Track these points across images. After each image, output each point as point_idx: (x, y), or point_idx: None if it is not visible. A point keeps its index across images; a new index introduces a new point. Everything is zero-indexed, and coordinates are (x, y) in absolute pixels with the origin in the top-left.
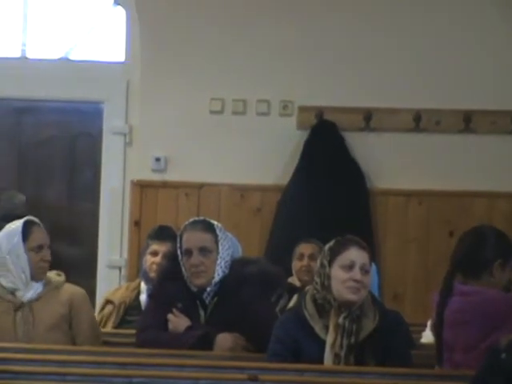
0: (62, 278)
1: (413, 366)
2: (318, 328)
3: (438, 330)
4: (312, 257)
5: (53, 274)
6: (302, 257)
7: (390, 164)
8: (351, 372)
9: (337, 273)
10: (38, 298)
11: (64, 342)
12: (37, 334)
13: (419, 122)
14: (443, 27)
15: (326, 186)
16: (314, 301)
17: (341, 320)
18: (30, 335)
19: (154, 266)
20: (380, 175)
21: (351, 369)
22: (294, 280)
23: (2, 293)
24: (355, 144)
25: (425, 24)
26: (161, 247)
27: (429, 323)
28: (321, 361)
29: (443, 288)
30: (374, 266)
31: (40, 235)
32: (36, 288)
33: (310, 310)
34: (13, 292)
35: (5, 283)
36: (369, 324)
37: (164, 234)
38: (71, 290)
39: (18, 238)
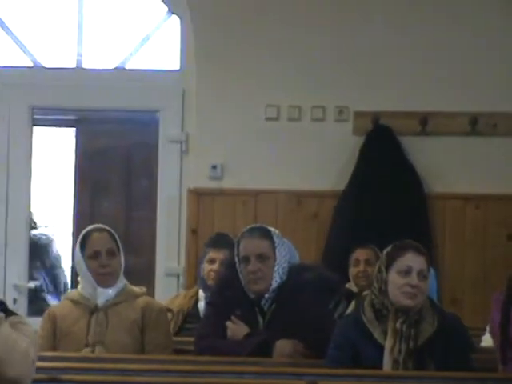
0: (143, 291)
1: (474, 370)
2: (376, 333)
3: (503, 328)
4: (368, 262)
5: (135, 288)
6: (357, 262)
7: (446, 168)
8: (410, 377)
9: (393, 278)
10: (114, 304)
11: (133, 348)
12: (108, 338)
13: (475, 125)
14: (496, 29)
15: (383, 191)
16: (373, 306)
17: (398, 325)
18: (101, 338)
19: (212, 274)
20: (437, 179)
21: (410, 374)
22: (351, 286)
23: (79, 297)
24: (411, 148)
25: (477, 26)
26: (218, 255)
27: (488, 327)
28: (380, 366)
29: (509, 285)
30: (432, 271)
31: (97, 242)
32: (107, 293)
33: (368, 316)
34: (89, 297)
35: (80, 289)
36: (428, 328)
37: (221, 241)
38: (148, 300)
39: (78, 246)
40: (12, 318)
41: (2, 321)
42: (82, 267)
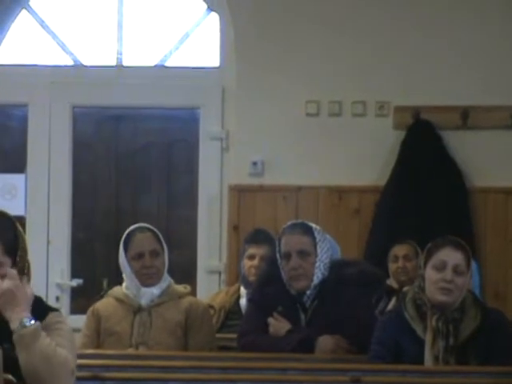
0: (187, 290)
1: None
2: (419, 329)
3: None
4: (406, 257)
5: (180, 286)
6: (396, 258)
7: (488, 162)
8: (452, 372)
9: (429, 273)
10: (158, 304)
11: (176, 348)
12: (151, 338)
13: None
14: None
15: (425, 185)
16: (414, 302)
17: (434, 322)
18: (145, 338)
19: (253, 270)
20: (478, 173)
21: (452, 369)
22: (391, 282)
23: (124, 297)
24: (452, 143)
25: None
26: (258, 250)
27: None
28: (422, 362)
29: None
30: (474, 265)
31: (140, 243)
32: (151, 293)
33: (410, 312)
34: (133, 297)
35: (125, 288)
36: (470, 324)
37: (260, 237)
38: (192, 300)
39: (121, 248)
40: (50, 317)
41: (38, 333)
42: (126, 267)
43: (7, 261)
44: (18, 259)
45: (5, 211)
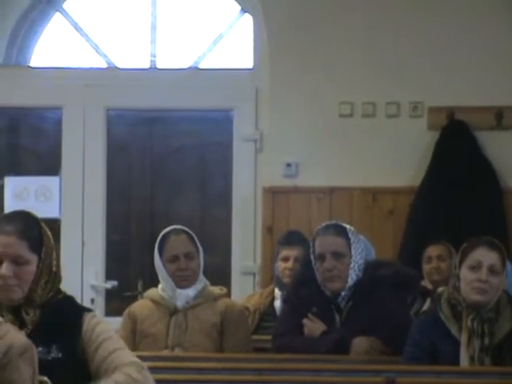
0: (223, 291)
1: None
2: (454, 330)
3: None
4: (440, 258)
5: (215, 288)
6: (430, 259)
7: None
8: (488, 372)
9: (464, 273)
10: (194, 306)
11: (212, 350)
12: (187, 340)
13: None
14: None
15: (459, 186)
16: (449, 303)
17: (469, 322)
18: (180, 340)
19: (287, 272)
20: None
21: (488, 369)
22: (426, 283)
23: (160, 299)
24: (487, 143)
25: None
26: (291, 252)
27: None
28: (458, 362)
29: None
30: (509, 266)
31: (174, 245)
32: (186, 295)
33: (445, 312)
34: (168, 298)
35: (160, 290)
36: (505, 324)
37: (293, 238)
38: (228, 302)
39: (156, 250)
40: (88, 321)
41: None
42: (161, 270)
43: (33, 258)
44: (43, 256)
45: (29, 211)
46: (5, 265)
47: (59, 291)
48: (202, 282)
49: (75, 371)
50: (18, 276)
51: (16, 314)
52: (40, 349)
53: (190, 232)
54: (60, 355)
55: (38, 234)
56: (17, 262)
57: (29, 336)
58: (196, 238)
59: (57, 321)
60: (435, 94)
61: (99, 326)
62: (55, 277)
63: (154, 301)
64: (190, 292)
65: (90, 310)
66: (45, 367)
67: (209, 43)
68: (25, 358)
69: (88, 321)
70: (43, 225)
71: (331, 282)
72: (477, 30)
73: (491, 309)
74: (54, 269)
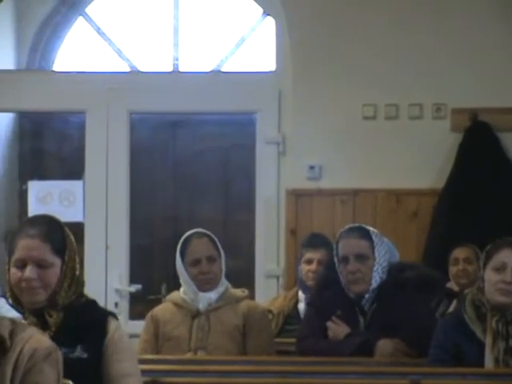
0: (245, 294)
1: None
2: (478, 332)
3: None
4: (467, 260)
5: (237, 290)
6: (456, 261)
7: None
8: None
9: (489, 275)
10: (216, 308)
11: (235, 352)
12: (210, 342)
13: None
14: None
15: (483, 188)
16: (474, 304)
17: (494, 324)
18: (203, 343)
19: (310, 274)
20: None
21: None
22: (452, 285)
23: (182, 302)
24: (510, 144)
25: None
26: (315, 254)
27: None
28: (483, 364)
29: None
30: None
31: (196, 249)
32: (208, 298)
33: (469, 314)
34: (190, 301)
35: (182, 293)
36: None
37: (316, 241)
38: (251, 304)
39: (178, 254)
40: (113, 330)
41: None
42: (183, 273)
43: (57, 261)
44: (66, 259)
45: (52, 216)
46: (29, 268)
47: (82, 294)
48: (223, 284)
49: (98, 372)
50: (41, 279)
51: (38, 317)
52: (64, 349)
53: (212, 235)
54: (85, 355)
55: (62, 237)
56: (40, 265)
57: (52, 338)
58: (218, 241)
59: (80, 323)
60: (458, 96)
61: (123, 342)
62: (78, 280)
63: (175, 304)
64: (212, 295)
65: (112, 314)
66: (68, 366)
67: (231, 46)
68: (49, 361)
69: (113, 329)
70: (66, 228)
71: (355, 284)
72: (500, 31)
73: None
74: (76, 272)
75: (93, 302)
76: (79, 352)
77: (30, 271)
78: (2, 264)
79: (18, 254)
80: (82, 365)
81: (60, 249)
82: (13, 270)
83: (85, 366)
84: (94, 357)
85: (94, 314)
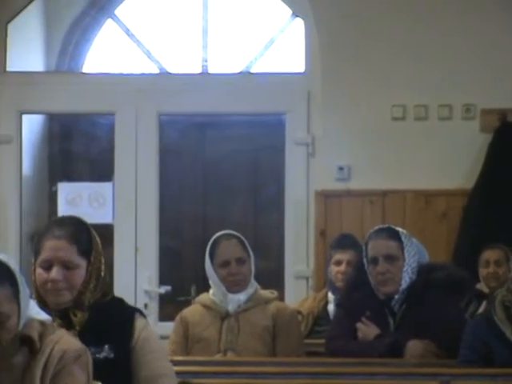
0: (274, 295)
1: None
2: (508, 332)
3: None
4: (498, 263)
5: (266, 292)
6: (487, 263)
7: None
8: None
9: None
10: (245, 310)
11: (264, 353)
12: (239, 344)
13: None
14: None
15: None
16: (503, 304)
17: None
18: (233, 344)
19: (340, 276)
20: None
21: None
22: (482, 287)
23: (211, 303)
24: None
25: None
26: (344, 255)
27: None
28: None
29: None
30: None
31: (225, 250)
32: (237, 299)
33: (499, 315)
34: (220, 303)
35: (211, 294)
36: None
37: (346, 242)
38: (280, 305)
39: (207, 255)
40: (140, 328)
41: None
42: (212, 275)
43: (83, 262)
44: (92, 260)
45: (79, 217)
46: (55, 269)
47: (107, 294)
48: (253, 286)
49: (124, 372)
50: (67, 280)
51: (64, 317)
52: (91, 349)
53: (241, 237)
54: (112, 356)
55: (88, 238)
56: (67, 266)
57: (77, 337)
58: (247, 243)
59: (106, 321)
60: (487, 96)
61: (151, 341)
62: (104, 281)
63: (205, 305)
64: (242, 296)
65: (139, 311)
66: (96, 366)
67: (260, 47)
68: (79, 363)
69: (140, 327)
70: (92, 230)
71: (384, 285)
72: None
73: None
74: (102, 273)
75: (119, 300)
76: (107, 352)
77: (56, 272)
78: (28, 265)
79: (45, 254)
80: (110, 365)
81: (86, 250)
82: (39, 271)
83: (113, 367)
84: (122, 356)
85: (120, 311)
